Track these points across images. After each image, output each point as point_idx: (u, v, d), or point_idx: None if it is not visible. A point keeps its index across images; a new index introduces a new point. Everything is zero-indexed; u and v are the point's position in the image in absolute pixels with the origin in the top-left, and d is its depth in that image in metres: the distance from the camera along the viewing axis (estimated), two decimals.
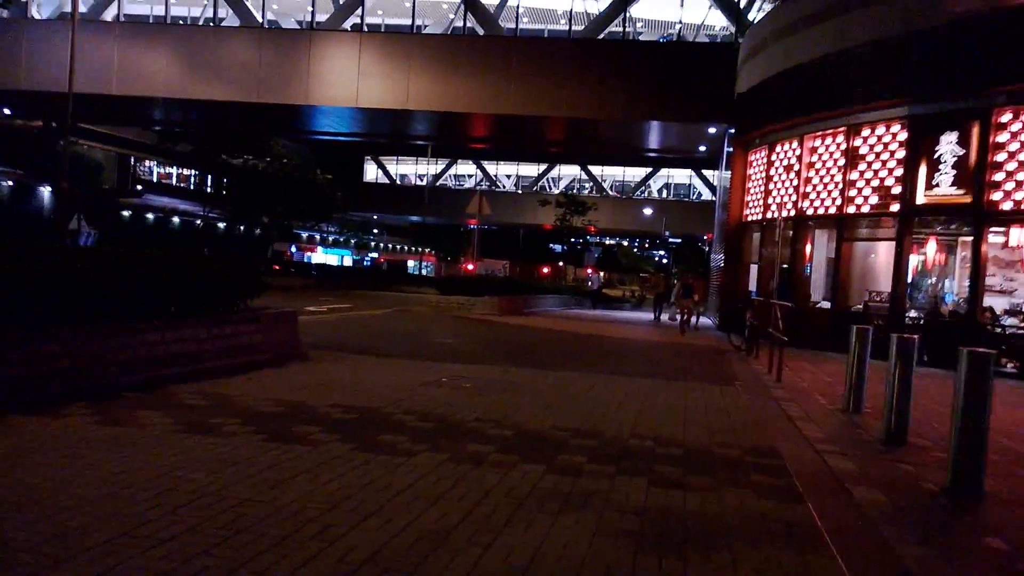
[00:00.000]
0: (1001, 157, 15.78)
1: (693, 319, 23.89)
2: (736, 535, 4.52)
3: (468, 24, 34.28)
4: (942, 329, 16.50)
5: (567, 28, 35.30)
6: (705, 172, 66.36)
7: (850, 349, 9.40)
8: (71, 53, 23.13)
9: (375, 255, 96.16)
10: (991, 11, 15.75)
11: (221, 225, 61.70)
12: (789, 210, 20.49)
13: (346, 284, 49.36)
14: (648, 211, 65.04)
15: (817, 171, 20.01)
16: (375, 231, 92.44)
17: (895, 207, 17.68)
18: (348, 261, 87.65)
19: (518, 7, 35.77)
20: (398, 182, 78.12)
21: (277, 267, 54.17)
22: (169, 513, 4.19)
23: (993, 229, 16.51)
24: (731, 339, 18.93)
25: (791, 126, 21.11)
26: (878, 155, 18.09)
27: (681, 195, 73.26)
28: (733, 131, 26.11)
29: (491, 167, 76.73)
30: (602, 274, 75.99)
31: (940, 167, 16.69)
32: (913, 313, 17.66)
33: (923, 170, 17.02)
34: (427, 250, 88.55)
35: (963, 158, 16.26)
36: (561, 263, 74.17)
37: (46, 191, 49.17)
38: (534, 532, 4.29)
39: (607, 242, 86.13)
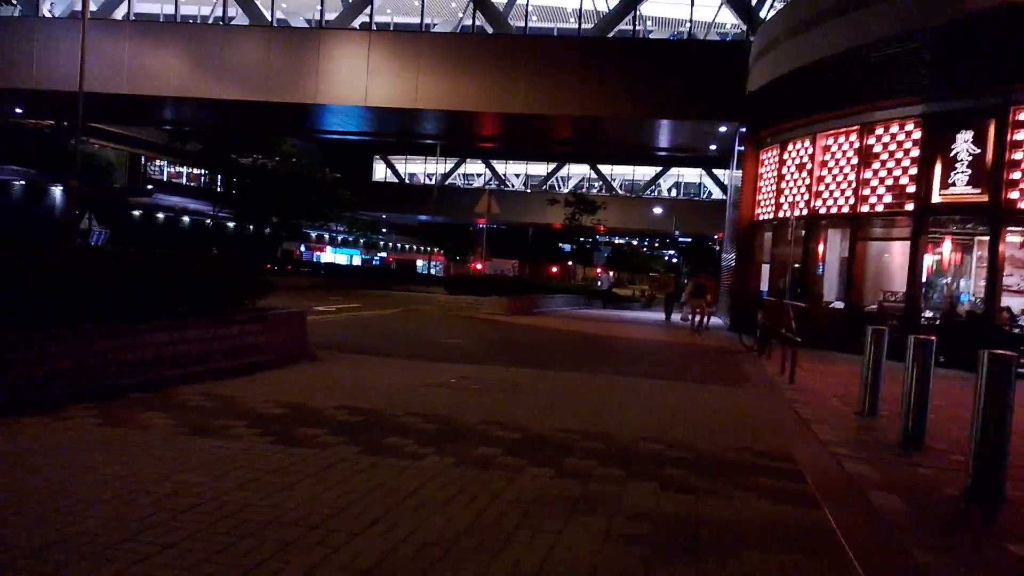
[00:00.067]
0: (1019, 155, 15.60)
1: (704, 319, 23.71)
2: (750, 542, 4.40)
3: (477, 23, 34.17)
4: (959, 329, 16.31)
5: (577, 27, 35.11)
6: (716, 171, 66.07)
7: (866, 350, 9.25)
8: (81, 52, 23.13)
9: (384, 254, 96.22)
10: (1008, 7, 15.55)
11: (231, 224, 61.77)
12: (801, 209, 20.33)
13: (355, 283, 49.38)
14: (658, 210, 64.85)
15: (830, 170, 19.84)
16: (384, 230, 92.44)
17: (910, 206, 17.50)
18: (357, 260, 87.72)
19: (527, 5, 35.60)
20: (407, 181, 78.07)
21: (289, 267, 54.28)
22: (171, 518, 4.09)
23: (1011, 228, 16.32)
24: (742, 339, 18.77)
25: (803, 124, 20.94)
26: (892, 154, 17.92)
27: (691, 194, 73.00)
28: (744, 129, 25.95)
29: (500, 166, 76.61)
30: (612, 274, 75.84)
31: (956, 166, 16.50)
32: (929, 313, 17.47)
33: (938, 169, 16.83)
34: (436, 249, 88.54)
35: (979, 156, 16.07)
36: (570, 262, 74.05)
37: (57, 190, 49.35)
38: (542, 539, 4.17)
39: (616, 241, 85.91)
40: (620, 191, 72.99)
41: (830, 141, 19.91)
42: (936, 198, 16.96)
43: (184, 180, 63.93)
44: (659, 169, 71.92)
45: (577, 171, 75.32)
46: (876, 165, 18.31)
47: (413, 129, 40.48)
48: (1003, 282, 16.36)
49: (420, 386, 9.11)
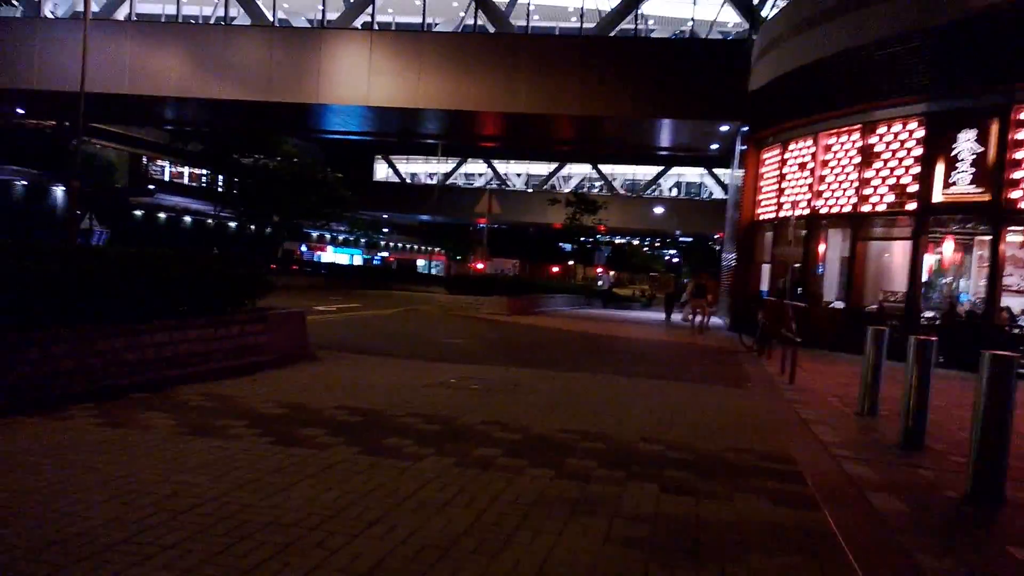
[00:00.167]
0: (1020, 155, 15.59)
1: (705, 319, 23.70)
2: (751, 544, 4.39)
3: (479, 22, 34.16)
4: (959, 330, 16.29)
5: (578, 26, 35.11)
6: (717, 171, 66.02)
7: (866, 350, 9.24)
8: (83, 52, 23.13)
9: (385, 254, 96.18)
10: (1011, 6, 15.54)
11: (232, 224, 61.78)
12: (803, 209, 20.30)
13: (355, 283, 49.37)
14: (659, 210, 64.80)
15: (832, 169, 19.82)
16: (385, 230, 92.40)
17: (911, 206, 17.47)
18: (358, 260, 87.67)
19: (528, 5, 35.61)
20: (408, 181, 78.02)
21: (294, 267, 54.23)
22: (171, 519, 4.09)
23: (1012, 228, 16.31)
24: (742, 339, 18.76)
25: (805, 123, 20.92)
26: (894, 153, 17.89)
27: (692, 194, 72.91)
28: (746, 129, 25.92)
29: (501, 166, 76.54)
30: (612, 273, 75.78)
31: (958, 165, 16.48)
32: (929, 313, 17.45)
33: (940, 168, 16.81)
34: (437, 249, 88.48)
35: (982, 156, 16.06)
36: (571, 262, 73.96)
37: (59, 191, 49.37)
38: (542, 541, 4.17)
39: (617, 241, 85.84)
40: (621, 191, 72.93)
41: (832, 140, 19.88)
42: (938, 197, 16.93)
43: (186, 180, 63.95)
44: (660, 169, 71.81)
45: (578, 171, 75.25)
46: (878, 164, 18.28)
47: (414, 129, 40.47)
48: (1003, 282, 16.35)
49: (420, 386, 9.11)
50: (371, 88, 31.68)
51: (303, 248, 78.01)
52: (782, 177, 22.17)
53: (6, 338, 6.14)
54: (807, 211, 20.34)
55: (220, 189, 50.14)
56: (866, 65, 18.34)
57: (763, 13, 30.19)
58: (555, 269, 78.30)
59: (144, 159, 58.35)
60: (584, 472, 5.66)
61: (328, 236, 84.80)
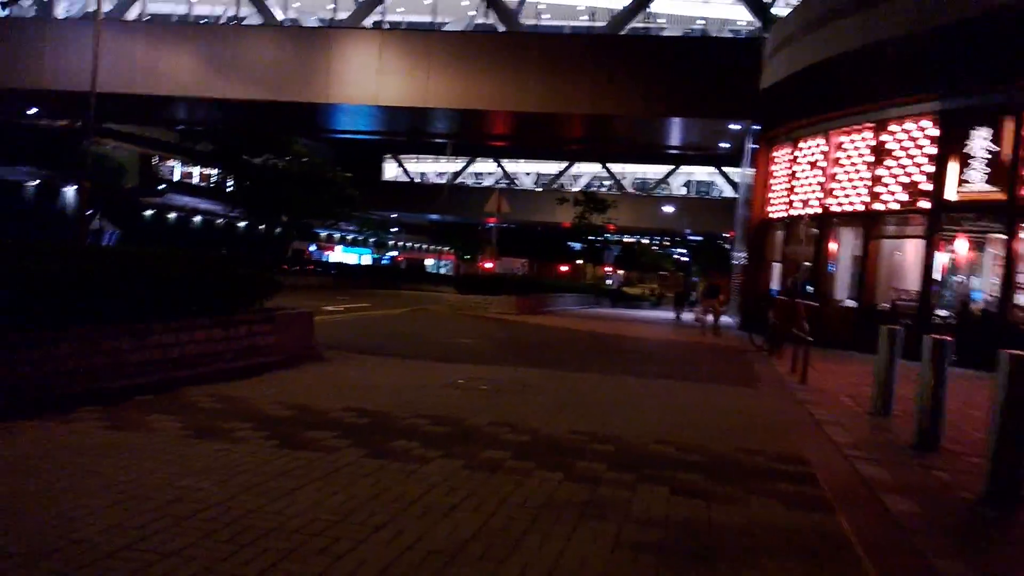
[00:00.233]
0: None
1: (710, 318, 23.54)
2: (764, 549, 4.30)
3: (488, 21, 34.09)
4: (973, 328, 16.13)
5: (588, 24, 34.99)
6: (727, 169, 65.79)
7: (879, 350, 9.13)
8: (94, 52, 23.16)
9: (394, 254, 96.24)
10: None
11: (242, 224, 61.87)
12: (814, 207, 20.16)
13: (364, 283, 49.41)
14: (668, 209, 64.58)
15: (843, 167, 19.68)
16: (394, 230, 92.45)
17: (925, 204, 17.34)
18: (367, 260, 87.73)
19: (538, 3, 35.54)
20: (417, 180, 78.06)
21: (310, 267, 54.29)
22: (173, 525, 4.02)
23: None
24: (753, 339, 18.65)
25: (817, 122, 20.79)
26: (907, 151, 17.75)
27: (702, 193, 72.74)
28: (757, 127, 25.79)
29: (510, 165, 76.49)
30: (621, 273, 75.60)
31: (972, 163, 16.34)
32: (942, 312, 17.29)
33: (954, 166, 16.68)
34: (446, 249, 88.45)
35: (996, 154, 15.91)
36: (580, 261, 73.82)
37: (71, 190, 49.49)
38: (551, 546, 4.09)
39: (626, 240, 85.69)
40: (630, 190, 72.75)
41: (844, 138, 19.74)
42: (951, 196, 16.80)
43: (196, 180, 64.11)
44: (670, 167, 71.63)
45: (588, 169, 75.14)
46: (890, 162, 18.14)
47: (424, 128, 40.46)
48: (1018, 280, 16.17)
49: (428, 387, 9.04)
50: (380, 87, 31.65)
51: (312, 248, 78.09)
52: (793, 175, 22.03)
53: (6, 338, 6.08)
54: (818, 209, 20.20)
55: (230, 189, 50.19)
56: (878, 63, 18.19)
57: (774, 11, 30.07)
58: (564, 268, 78.21)
59: (155, 159, 58.48)
60: (594, 475, 5.58)
61: (337, 236, 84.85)
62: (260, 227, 56.39)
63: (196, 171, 63.90)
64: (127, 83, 32.30)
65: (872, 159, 18.60)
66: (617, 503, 4.93)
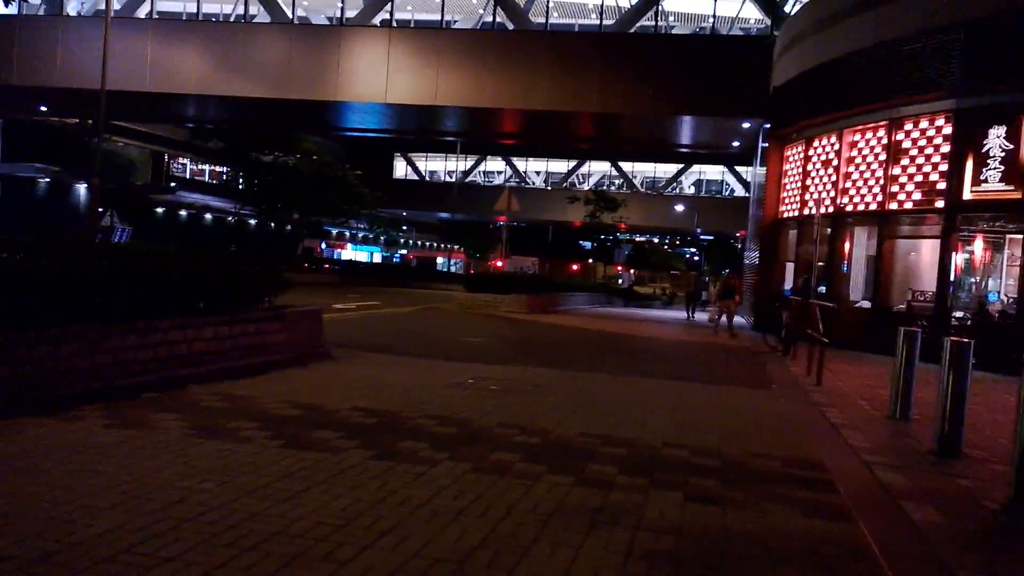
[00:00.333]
0: None
1: (724, 319, 23.35)
2: (782, 559, 4.16)
3: (498, 19, 33.96)
4: (991, 330, 15.90)
5: (598, 23, 34.81)
6: (739, 168, 65.52)
7: (897, 352, 8.95)
8: (104, 50, 23.12)
9: (404, 252, 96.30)
10: None
11: (252, 222, 61.94)
12: (827, 207, 19.96)
13: (374, 281, 49.38)
14: (679, 208, 64.40)
15: (857, 166, 19.47)
16: (404, 228, 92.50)
17: (940, 203, 17.10)
18: (377, 258, 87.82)
19: (548, 1, 35.38)
20: (427, 179, 78.00)
21: (325, 265, 54.25)
22: (174, 528, 3.90)
23: None
24: (766, 340, 18.47)
25: (830, 120, 20.56)
26: (921, 150, 17.52)
27: (713, 192, 72.41)
28: (769, 126, 25.56)
29: (520, 163, 76.34)
30: (633, 272, 75.42)
31: (988, 162, 16.11)
32: (958, 313, 17.06)
33: (969, 165, 16.45)
34: (456, 247, 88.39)
35: (1013, 152, 15.67)
36: (591, 260, 73.62)
37: (82, 188, 49.68)
38: (561, 554, 3.95)
39: (637, 239, 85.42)
40: (641, 188, 72.53)
41: (857, 137, 19.52)
42: (967, 195, 16.56)
43: (206, 177, 64.23)
44: (681, 166, 71.39)
45: (598, 168, 74.93)
46: (905, 161, 17.92)
47: (433, 126, 40.33)
48: None
49: (437, 386, 8.92)
50: (390, 85, 31.55)
51: (323, 245, 78.19)
52: (806, 174, 21.81)
53: (8, 337, 5.98)
54: (832, 209, 19.99)
55: (240, 186, 50.22)
56: (892, 61, 17.98)
57: (785, 9, 29.83)
58: (575, 267, 78.03)
59: (166, 156, 58.59)
60: (605, 479, 5.44)
61: (348, 234, 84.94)
62: (270, 225, 56.40)
63: (207, 169, 63.99)
64: (137, 81, 32.26)
65: (886, 158, 18.38)
66: (630, 509, 4.79)
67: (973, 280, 17.70)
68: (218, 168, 62.83)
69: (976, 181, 16.33)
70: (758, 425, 8.04)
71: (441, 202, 69.27)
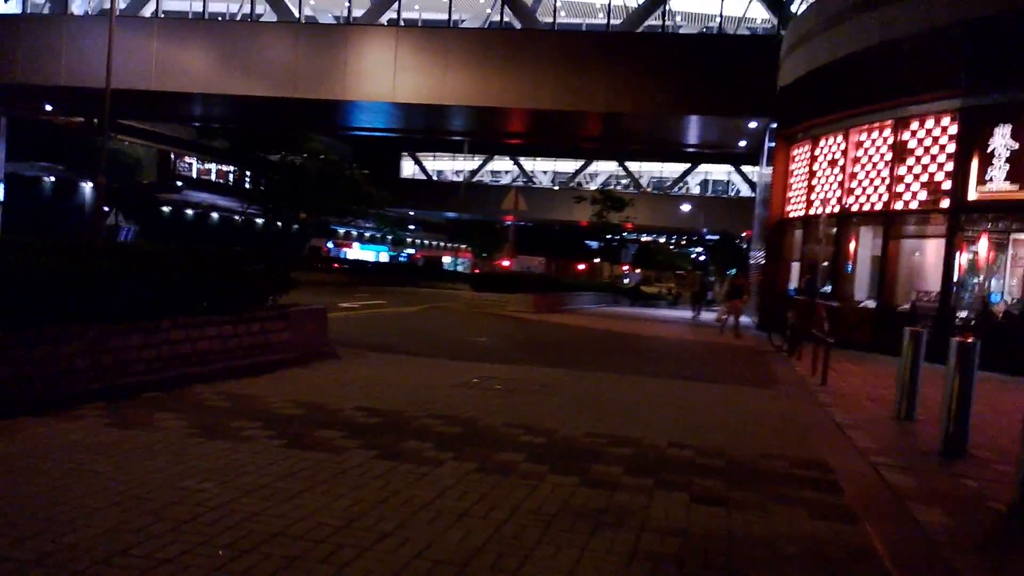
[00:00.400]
0: None
1: (731, 318, 23.27)
2: (788, 561, 4.12)
3: (504, 19, 33.92)
4: (995, 330, 15.82)
5: (605, 22, 34.74)
6: (745, 168, 65.39)
7: (903, 352, 8.90)
8: (109, 49, 23.13)
9: (411, 251, 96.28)
10: None
11: (259, 221, 61.90)
12: (833, 206, 19.89)
13: (381, 280, 49.38)
14: (686, 207, 64.31)
15: (863, 166, 19.39)
16: (411, 227, 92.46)
17: (945, 203, 17.02)
18: (384, 257, 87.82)
19: (555, 1, 35.31)
20: (434, 178, 77.99)
21: (332, 266, 54.15)
22: (172, 529, 3.87)
23: None
24: (771, 339, 18.41)
25: (836, 119, 20.48)
26: (927, 149, 17.44)
27: (720, 192, 72.30)
28: (775, 125, 25.47)
29: (527, 163, 76.31)
30: (638, 271, 75.32)
31: (993, 162, 16.02)
32: (963, 313, 16.97)
33: (975, 165, 16.36)
34: (463, 246, 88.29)
35: (1018, 152, 15.58)
36: (597, 260, 73.60)
37: (87, 187, 49.70)
38: (565, 556, 3.91)
39: (644, 239, 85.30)
40: (648, 188, 72.43)
41: (863, 136, 19.44)
42: (972, 195, 16.48)
43: (213, 177, 64.25)
44: (687, 166, 71.30)
45: (604, 168, 74.87)
46: (910, 161, 17.84)
47: (441, 125, 40.29)
48: None
49: (442, 386, 8.88)
50: (397, 84, 31.53)
51: (330, 245, 78.23)
52: (812, 174, 21.73)
53: (10, 336, 5.95)
54: (837, 208, 19.91)
55: (247, 186, 50.22)
56: (898, 60, 17.89)
57: (791, 9, 29.72)
58: (581, 267, 77.93)
59: (172, 155, 58.62)
60: (610, 479, 5.40)
61: (355, 233, 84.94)
62: (277, 224, 56.37)
63: (213, 168, 64.01)
64: (142, 79, 32.26)
65: (891, 158, 18.29)
66: (635, 510, 4.75)
67: (977, 280, 17.61)
68: (224, 167, 62.86)
69: (981, 181, 16.25)
70: (763, 425, 7.99)
71: (448, 201, 69.23)
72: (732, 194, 70.06)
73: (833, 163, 20.60)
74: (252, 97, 33.35)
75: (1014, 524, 5.18)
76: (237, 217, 63.43)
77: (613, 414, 7.96)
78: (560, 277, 43.80)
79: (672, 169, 72.32)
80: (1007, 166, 15.82)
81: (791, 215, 23.38)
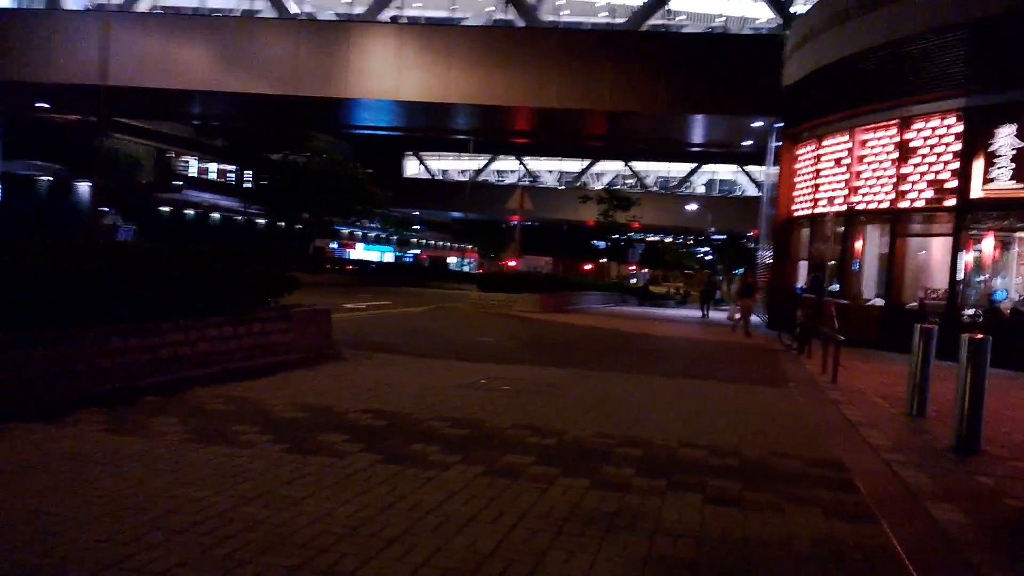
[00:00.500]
0: None
1: (746, 319, 23.09)
2: (805, 563, 3.99)
3: (507, 17, 33.79)
4: (1002, 327, 15.66)
5: (608, 21, 34.60)
6: (750, 168, 65.23)
7: (913, 349, 8.79)
8: (104, 45, 22.87)
9: (417, 251, 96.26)
10: None
11: (262, 221, 61.76)
12: (839, 205, 19.76)
13: (387, 280, 49.26)
14: (692, 207, 64.18)
15: (868, 165, 19.27)
16: (416, 227, 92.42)
17: (950, 202, 16.92)
18: (389, 257, 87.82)
19: None
20: (439, 178, 77.91)
21: (348, 266, 53.97)
22: (167, 539, 3.71)
23: None
24: (781, 338, 18.28)
25: (841, 119, 20.37)
26: (932, 148, 17.35)
27: (726, 191, 72.18)
28: (780, 125, 25.35)
29: (533, 163, 76.26)
30: (647, 271, 75.17)
31: (997, 160, 15.95)
32: (970, 311, 16.84)
33: (979, 163, 16.28)
34: (469, 246, 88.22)
35: (1022, 151, 15.47)
36: (604, 260, 73.41)
37: (84, 186, 49.39)
38: (576, 562, 3.78)
39: (650, 238, 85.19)
40: (654, 188, 72.29)
41: (868, 135, 19.33)
42: (977, 193, 16.39)
43: (213, 176, 63.96)
44: (693, 166, 71.19)
45: (610, 167, 74.80)
46: (915, 160, 17.75)
47: (445, 124, 40.15)
48: None
49: (449, 387, 8.76)
50: (400, 82, 31.40)
51: (334, 245, 78.17)
52: (817, 173, 21.60)
53: (2, 338, 5.83)
54: (843, 207, 19.78)
55: (248, 185, 50.01)
56: (902, 59, 17.77)
57: (794, 8, 29.58)
58: (588, 267, 77.75)
59: (172, 154, 58.28)
60: (622, 481, 5.27)
61: (359, 233, 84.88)
62: (280, 224, 56.23)
63: (213, 167, 63.74)
64: (138, 76, 31.83)
65: (897, 156, 18.18)
66: (647, 513, 4.62)
67: (983, 278, 17.47)
68: (225, 166, 62.59)
69: (986, 179, 16.16)
70: (776, 424, 7.86)
71: (453, 201, 69.14)
72: (738, 193, 69.90)
73: (839, 162, 20.48)
74: (253, 95, 33.13)
75: None
76: (239, 217, 63.27)
77: (623, 414, 7.83)
78: (567, 277, 43.63)
79: (678, 169, 72.25)
80: (1012, 165, 15.75)
81: (797, 214, 23.24)
